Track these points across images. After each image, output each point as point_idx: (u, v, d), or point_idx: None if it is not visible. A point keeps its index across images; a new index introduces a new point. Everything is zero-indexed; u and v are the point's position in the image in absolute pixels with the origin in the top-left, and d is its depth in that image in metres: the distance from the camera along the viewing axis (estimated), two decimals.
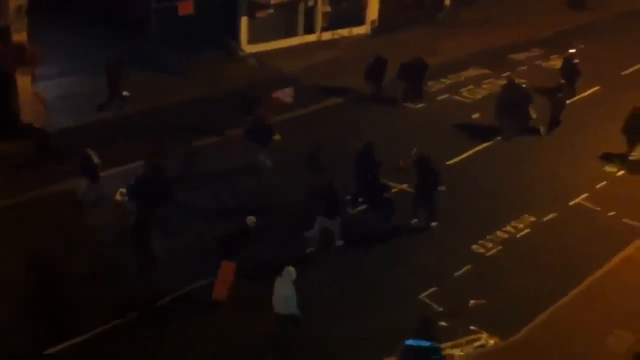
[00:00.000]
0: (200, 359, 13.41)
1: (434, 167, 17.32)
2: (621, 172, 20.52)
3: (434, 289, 15.37)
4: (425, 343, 12.31)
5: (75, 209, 17.28)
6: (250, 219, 14.89)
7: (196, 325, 14.07)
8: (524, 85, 22.94)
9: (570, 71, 24.03)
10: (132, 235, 14.87)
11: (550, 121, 22.57)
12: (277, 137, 19.54)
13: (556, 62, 27.70)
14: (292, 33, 28.00)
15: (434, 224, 17.42)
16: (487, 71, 26.77)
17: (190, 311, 14.40)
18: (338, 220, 16.37)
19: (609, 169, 20.62)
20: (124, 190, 16.97)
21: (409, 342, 12.31)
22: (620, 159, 20.88)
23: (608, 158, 21.07)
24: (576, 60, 24.33)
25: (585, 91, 24.81)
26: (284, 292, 13.18)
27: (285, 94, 21.15)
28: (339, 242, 16.64)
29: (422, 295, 15.25)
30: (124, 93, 21.84)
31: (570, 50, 24.96)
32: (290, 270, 13.23)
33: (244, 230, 14.85)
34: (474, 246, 16.99)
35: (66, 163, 18.32)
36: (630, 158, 20.93)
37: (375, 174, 17.75)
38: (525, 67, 27.34)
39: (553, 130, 22.58)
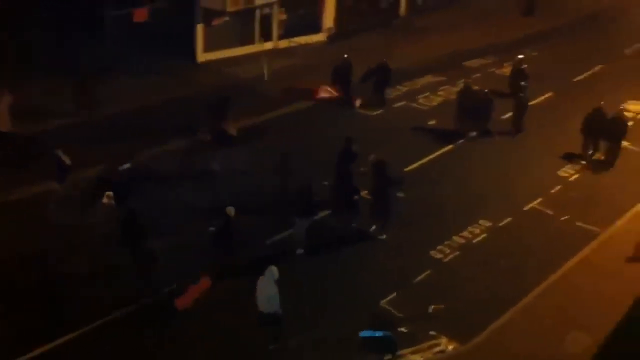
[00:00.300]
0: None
1: (389, 174, 17.31)
2: (574, 177, 20.95)
3: (394, 295, 15.44)
4: (379, 333, 13.11)
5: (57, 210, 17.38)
6: (230, 209, 15.27)
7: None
8: (485, 90, 23.28)
9: (519, 77, 24.38)
10: (122, 235, 15.01)
11: (514, 122, 23.03)
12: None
13: (508, 70, 28.26)
14: (248, 41, 27.91)
15: (383, 236, 17.24)
16: (442, 78, 27.09)
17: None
18: (307, 221, 16.58)
19: (564, 172, 21.03)
20: (110, 193, 17.23)
21: (364, 333, 13.19)
22: (584, 159, 21.53)
23: (570, 158, 21.62)
24: (524, 66, 24.80)
25: (538, 97, 25.29)
26: (267, 292, 13.31)
27: (327, 91, 23.19)
28: (300, 251, 16.67)
29: (383, 302, 15.31)
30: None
31: (519, 56, 25.33)
32: (273, 269, 13.36)
33: (226, 221, 15.25)
34: (433, 252, 17.14)
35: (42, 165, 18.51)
36: (594, 158, 21.62)
37: (349, 174, 18.01)
38: (479, 74, 27.74)
39: (519, 132, 23.00)
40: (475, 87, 23.91)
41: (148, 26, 24.66)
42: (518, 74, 24.52)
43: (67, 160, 17.64)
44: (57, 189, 17.76)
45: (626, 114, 23.68)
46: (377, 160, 17.59)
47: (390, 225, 17.45)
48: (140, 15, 24.36)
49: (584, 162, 21.45)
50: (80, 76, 21.82)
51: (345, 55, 24.47)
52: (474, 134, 22.61)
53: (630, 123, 22.59)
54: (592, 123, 21.47)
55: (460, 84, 24.51)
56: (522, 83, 23.54)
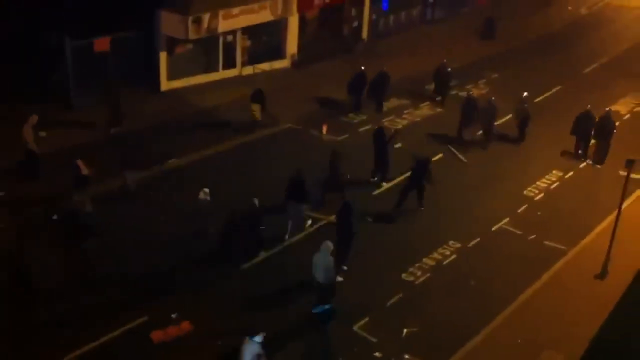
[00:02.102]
0: None
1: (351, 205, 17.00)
2: (539, 196, 21.23)
3: (366, 319, 15.38)
4: (327, 306, 14.78)
5: None
6: (255, 200, 16.80)
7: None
8: (492, 97, 24.54)
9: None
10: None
11: (519, 131, 24.36)
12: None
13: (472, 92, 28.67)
14: (212, 68, 27.85)
15: (344, 267, 16.95)
16: (406, 101, 27.31)
17: None
18: (302, 208, 17.85)
19: (530, 192, 21.29)
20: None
21: (315, 309, 14.68)
22: (575, 158, 23.29)
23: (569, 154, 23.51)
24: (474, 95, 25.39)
25: (501, 119, 25.64)
26: (325, 264, 14.89)
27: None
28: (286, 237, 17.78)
29: (356, 327, 15.23)
30: (40, 134, 21.13)
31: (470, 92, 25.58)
32: (328, 244, 15.06)
33: (254, 209, 16.67)
34: (404, 274, 17.15)
35: None
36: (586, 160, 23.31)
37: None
38: (440, 97, 28.02)
39: (524, 139, 24.32)
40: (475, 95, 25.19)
41: (110, 56, 24.42)
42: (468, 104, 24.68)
43: (85, 170, 18.05)
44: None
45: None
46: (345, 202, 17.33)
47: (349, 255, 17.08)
48: (102, 45, 24.11)
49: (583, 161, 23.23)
50: (107, 92, 22.85)
51: (363, 67, 26.03)
52: (479, 133, 24.13)
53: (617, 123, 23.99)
54: (582, 124, 22.98)
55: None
56: (525, 94, 24.85)
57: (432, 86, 27.93)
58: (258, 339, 12.65)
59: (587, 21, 41.00)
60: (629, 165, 16.78)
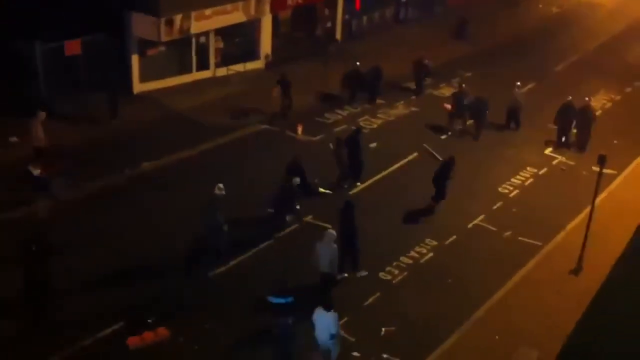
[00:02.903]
0: None
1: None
2: (514, 193, 21.38)
3: (345, 319, 15.31)
4: (281, 299, 14.34)
5: None
6: (295, 180, 17.98)
7: None
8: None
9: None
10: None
11: (509, 120, 25.53)
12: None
13: (444, 91, 28.84)
14: (185, 70, 27.65)
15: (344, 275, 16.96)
16: (380, 101, 27.33)
17: None
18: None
19: (504, 189, 21.43)
20: None
21: (272, 299, 14.37)
22: (558, 145, 24.37)
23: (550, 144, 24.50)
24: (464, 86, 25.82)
25: (466, 120, 25.84)
26: (329, 253, 15.16)
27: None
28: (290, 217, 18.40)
29: None
30: (11, 139, 20.86)
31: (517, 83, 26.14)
32: (331, 232, 15.35)
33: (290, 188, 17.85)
34: (381, 274, 17.15)
35: None
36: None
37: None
38: (414, 97, 28.13)
39: (515, 129, 25.42)
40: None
41: (82, 59, 24.15)
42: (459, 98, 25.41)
43: (37, 171, 18.18)
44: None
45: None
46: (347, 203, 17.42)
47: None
48: (73, 47, 23.83)
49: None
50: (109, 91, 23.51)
51: (358, 63, 26.69)
52: (461, 127, 24.97)
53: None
54: (564, 114, 24.12)
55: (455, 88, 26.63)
56: (518, 83, 25.95)
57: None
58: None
59: (558, 19, 41.42)
60: (601, 161, 16.96)
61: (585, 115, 24.15)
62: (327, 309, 13.29)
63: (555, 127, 24.66)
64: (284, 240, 18.16)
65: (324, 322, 13.27)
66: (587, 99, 24.96)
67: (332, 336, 13.35)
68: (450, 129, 24.99)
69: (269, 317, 14.35)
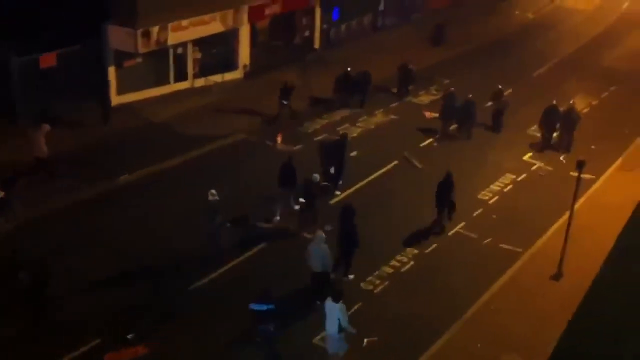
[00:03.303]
0: None
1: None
2: (494, 199, 21.45)
3: (322, 334, 15.20)
4: (263, 306, 14.04)
5: None
6: (315, 176, 18.82)
7: None
8: (469, 95, 25.67)
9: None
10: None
11: (494, 121, 26.07)
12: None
13: (424, 98, 28.92)
14: (163, 81, 27.48)
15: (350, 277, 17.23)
16: (359, 109, 27.35)
17: None
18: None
19: (484, 195, 21.47)
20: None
21: (253, 306, 14.05)
22: (544, 148, 24.80)
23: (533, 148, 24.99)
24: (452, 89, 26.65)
25: (451, 126, 25.92)
26: (320, 252, 15.61)
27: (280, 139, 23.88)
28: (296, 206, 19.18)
29: (316, 339, 15.10)
30: None
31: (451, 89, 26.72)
32: (320, 234, 15.82)
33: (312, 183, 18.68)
34: (363, 284, 17.09)
35: None
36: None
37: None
38: (395, 104, 28.18)
39: (500, 130, 25.83)
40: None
41: (57, 71, 23.91)
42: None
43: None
44: None
45: (537, 134, 25.13)
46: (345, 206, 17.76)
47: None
48: (48, 60, 23.59)
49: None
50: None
51: (349, 69, 27.46)
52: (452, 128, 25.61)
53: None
54: (548, 116, 24.66)
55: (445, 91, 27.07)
56: (500, 87, 27.06)
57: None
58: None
59: (534, 25, 41.77)
60: (580, 166, 17.05)
61: (570, 117, 24.67)
62: (336, 300, 13.76)
63: (540, 129, 25.14)
64: (272, 250, 18.07)
65: (334, 313, 13.75)
66: (571, 101, 25.53)
67: (341, 328, 13.77)
68: (441, 132, 25.38)
69: (252, 324, 14.32)
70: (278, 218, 19.42)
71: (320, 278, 16.01)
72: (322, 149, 21.93)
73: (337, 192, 21.02)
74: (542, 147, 24.86)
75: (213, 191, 17.41)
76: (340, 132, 23.20)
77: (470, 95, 25.62)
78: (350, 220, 17.07)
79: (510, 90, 29.41)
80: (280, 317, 14.31)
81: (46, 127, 20.52)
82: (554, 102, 25.13)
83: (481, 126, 25.87)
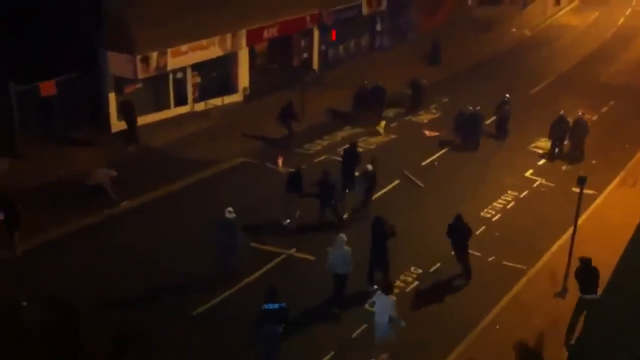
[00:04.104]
0: None
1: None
2: (497, 217, 21.40)
3: (331, 353, 15.16)
4: (275, 305, 14.12)
5: None
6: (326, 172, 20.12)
7: None
8: (477, 107, 26.70)
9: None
10: None
11: (498, 130, 26.81)
12: None
13: (423, 117, 29.01)
14: (163, 106, 27.57)
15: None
16: (360, 130, 27.40)
17: None
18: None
19: (487, 213, 21.43)
20: None
21: (264, 307, 14.07)
22: (551, 158, 25.33)
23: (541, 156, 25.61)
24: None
25: (449, 141, 26.05)
26: (342, 255, 16.12)
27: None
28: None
29: (325, 358, 15.00)
30: None
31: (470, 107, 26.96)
32: (342, 236, 16.37)
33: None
34: (367, 305, 16.96)
35: None
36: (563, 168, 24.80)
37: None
38: (395, 123, 28.25)
39: (504, 138, 26.52)
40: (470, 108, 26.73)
41: (58, 99, 24.00)
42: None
43: None
44: None
45: (537, 150, 25.11)
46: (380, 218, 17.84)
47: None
48: (48, 88, 23.68)
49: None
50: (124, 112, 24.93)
51: (365, 82, 28.63)
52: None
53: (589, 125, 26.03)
54: (557, 127, 25.25)
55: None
56: (507, 95, 27.77)
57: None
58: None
59: (531, 42, 42.00)
60: (581, 182, 17.04)
61: (580, 127, 25.32)
62: (387, 292, 14.46)
63: (550, 140, 25.63)
64: (271, 274, 17.99)
65: (383, 305, 14.36)
66: (580, 112, 26.13)
67: (391, 319, 14.30)
68: (453, 141, 26.25)
69: (258, 322, 14.29)
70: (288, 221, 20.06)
71: (343, 279, 16.47)
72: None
73: (345, 216, 20.99)
74: (550, 157, 25.33)
75: (230, 209, 17.35)
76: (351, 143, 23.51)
77: (478, 108, 26.34)
78: (380, 233, 17.31)
79: (507, 107, 29.49)
80: (287, 317, 14.40)
81: (112, 172, 21.07)
82: (562, 112, 25.62)
83: (487, 136, 26.59)
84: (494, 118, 27.44)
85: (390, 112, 29.04)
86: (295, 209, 20.32)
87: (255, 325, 14.26)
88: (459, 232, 17.94)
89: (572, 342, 15.37)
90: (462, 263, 18.11)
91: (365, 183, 20.84)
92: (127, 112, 25.15)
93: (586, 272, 15.66)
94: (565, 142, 25.72)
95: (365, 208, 20.81)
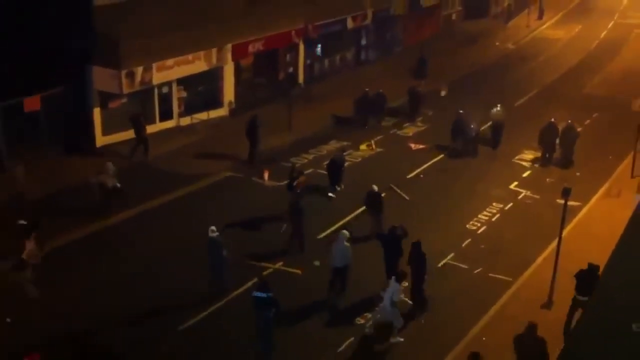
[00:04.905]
0: None
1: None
2: (482, 229, 21.46)
3: None
4: (263, 294, 15.16)
5: None
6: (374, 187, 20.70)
7: None
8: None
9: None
10: None
11: (493, 137, 27.54)
12: None
13: (408, 130, 29.12)
14: (148, 120, 27.45)
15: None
16: (346, 143, 27.46)
17: None
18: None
19: (472, 225, 21.49)
20: None
21: (255, 293, 15.29)
22: (541, 163, 26.00)
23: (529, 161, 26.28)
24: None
25: (436, 157, 26.14)
26: (343, 249, 17.19)
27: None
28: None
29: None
30: None
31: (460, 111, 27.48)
32: (345, 232, 17.56)
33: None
34: (357, 318, 16.98)
35: None
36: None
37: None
38: (381, 136, 28.33)
39: (498, 147, 27.07)
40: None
41: (42, 114, 23.89)
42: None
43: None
44: None
45: (522, 162, 25.27)
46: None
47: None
48: (32, 104, 23.57)
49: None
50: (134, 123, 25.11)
51: (367, 89, 29.52)
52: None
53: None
54: (546, 134, 25.82)
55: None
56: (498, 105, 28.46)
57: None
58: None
59: (515, 55, 42.33)
60: (566, 194, 17.14)
61: (569, 134, 25.88)
62: (399, 280, 15.97)
63: (540, 147, 26.27)
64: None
65: (392, 289, 15.74)
66: (569, 120, 26.54)
67: (393, 303, 15.62)
68: (453, 147, 26.81)
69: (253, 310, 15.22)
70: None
71: (342, 272, 17.37)
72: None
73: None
74: (541, 163, 25.90)
75: (213, 227, 17.43)
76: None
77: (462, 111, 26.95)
78: (397, 246, 17.85)
79: (490, 123, 29.73)
80: (279, 305, 15.21)
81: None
82: (552, 119, 26.11)
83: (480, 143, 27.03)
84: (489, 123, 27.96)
85: (390, 121, 29.95)
86: (283, 221, 20.25)
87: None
88: (420, 260, 17.25)
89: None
90: (418, 295, 17.35)
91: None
92: (137, 125, 25.22)
93: (589, 276, 15.87)
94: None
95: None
